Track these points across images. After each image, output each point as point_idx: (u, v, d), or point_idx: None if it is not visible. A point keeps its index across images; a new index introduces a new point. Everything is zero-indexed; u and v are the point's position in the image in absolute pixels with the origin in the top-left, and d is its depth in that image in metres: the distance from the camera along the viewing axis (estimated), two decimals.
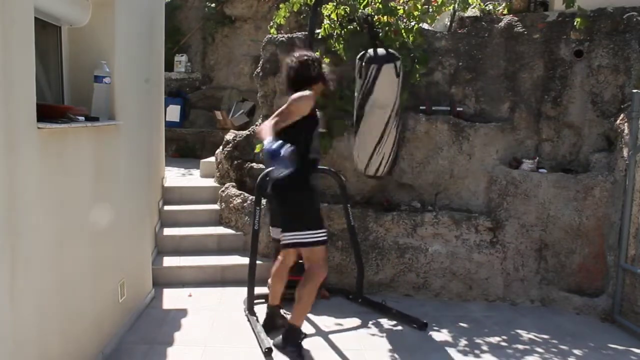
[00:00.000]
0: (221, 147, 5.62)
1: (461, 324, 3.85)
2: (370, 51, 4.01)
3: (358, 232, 4.27)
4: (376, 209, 4.51)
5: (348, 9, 4.40)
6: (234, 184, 5.20)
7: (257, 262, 3.96)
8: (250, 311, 3.79)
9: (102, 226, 3.05)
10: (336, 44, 4.43)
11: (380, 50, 4.00)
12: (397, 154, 4.27)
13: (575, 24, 4.14)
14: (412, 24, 4.42)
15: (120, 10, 3.26)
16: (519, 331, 3.77)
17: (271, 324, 3.57)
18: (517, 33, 4.47)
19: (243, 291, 4.22)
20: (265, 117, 4.99)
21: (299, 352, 3.20)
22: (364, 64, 3.98)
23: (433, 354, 3.38)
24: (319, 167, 4.53)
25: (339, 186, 4.14)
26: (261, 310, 3.81)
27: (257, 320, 3.66)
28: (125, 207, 3.49)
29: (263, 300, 4.09)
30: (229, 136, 5.58)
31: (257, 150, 4.83)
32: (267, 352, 3.22)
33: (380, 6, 4.38)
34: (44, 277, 2.35)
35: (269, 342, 3.30)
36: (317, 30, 4.48)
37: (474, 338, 3.62)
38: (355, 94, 4.10)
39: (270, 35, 4.90)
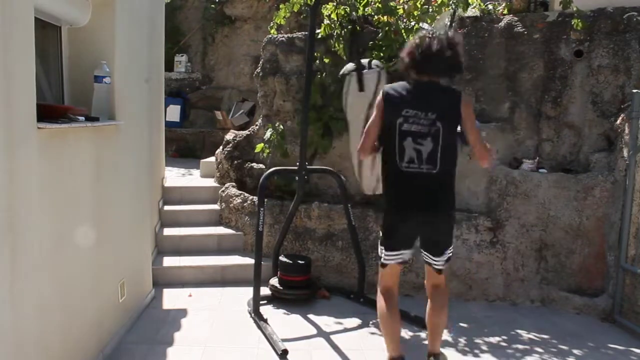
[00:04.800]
0: (221, 147, 5.62)
1: (461, 324, 3.85)
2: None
3: (358, 232, 4.27)
4: (376, 209, 4.51)
5: (348, 9, 4.40)
6: (234, 184, 5.20)
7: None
8: (257, 313, 3.75)
9: (102, 226, 3.05)
10: (336, 44, 4.43)
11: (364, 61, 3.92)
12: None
13: (573, 24, 4.15)
14: (412, 24, 4.42)
15: (121, 10, 3.26)
16: (519, 331, 3.77)
17: None
18: (517, 33, 4.47)
19: (243, 291, 4.23)
20: (266, 117, 5.00)
21: None
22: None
23: None
24: (319, 167, 4.56)
25: (339, 186, 4.14)
26: (265, 311, 3.81)
27: (267, 322, 3.63)
28: (125, 207, 3.49)
29: (266, 302, 4.09)
30: (229, 136, 5.58)
31: (257, 150, 4.84)
32: (283, 354, 3.21)
33: (380, 6, 4.38)
34: (44, 277, 2.35)
35: (282, 344, 3.27)
36: (317, 30, 4.48)
37: (474, 338, 3.62)
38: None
39: (270, 36, 4.90)
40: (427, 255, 2.84)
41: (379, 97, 2.73)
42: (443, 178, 2.67)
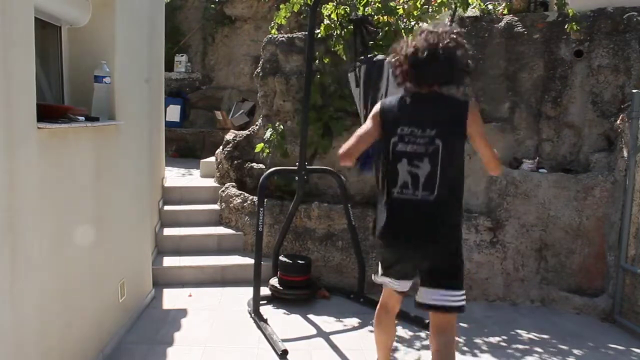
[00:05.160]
0: (221, 147, 5.62)
1: (461, 324, 3.85)
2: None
3: (358, 232, 4.27)
4: (376, 209, 4.51)
5: (348, 9, 4.40)
6: (234, 184, 5.20)
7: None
8: (257, 313, 3.75)
9: (102, 226, 3.05)
10: (336, 44, 4.42)
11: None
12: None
13: (566, 28, 4.16)
14: (412, 24, 4.42)
15: (121, 10, 3.26)
16: (519, 331, 3.77)
17: None
18: (517, 33, 4.47)
19: (243, 291, 4.23)
20: (266, 117, 5.00)
21: None
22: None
23: None
24: (319, 167, 4.56)
25: (339, 186, 4.14)
26: (265, 311, 3.81)
27: (267, 322, 3.63)
28: (125, 207, 3.49)
29: (266, 302, 4.09)
30: (229, 136, 5.59)
31: (257, 150, 4.84)
32: (283, 354, 3.21)
33: (380, 5, 4.37)
34: (44, 277, 2.35)
35: (282, 344, 3.28)
36: (317, 30, 4.48)
37: (473, 338, 3.62)
38: None
39: (270, 35, 4.90)
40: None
41: (375, 109, 2.37)
42: (443, 205, 2.25)
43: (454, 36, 2.23)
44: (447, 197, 2.26)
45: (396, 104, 2.33)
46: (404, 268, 2.42)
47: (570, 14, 4.09)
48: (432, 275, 2.32)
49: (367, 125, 2.38)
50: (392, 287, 2.49)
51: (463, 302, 2.29)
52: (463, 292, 2.31)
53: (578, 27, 4.11)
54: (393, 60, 2.35)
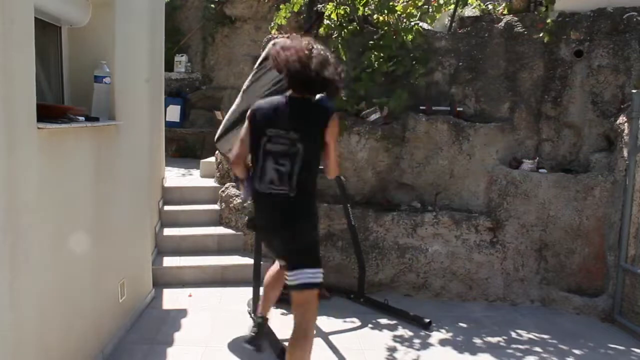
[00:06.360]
0: None
1: (461, 324, 3.85)
2: None
3: (358, 232, 4.26)
4: (376, 209, 4.51)
5: (348, 9, 4.40)
6: (234, 184, 5.19)
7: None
8: (257, 313, 3.75)
9: (102, 226, 3.05)
10: (337, 44, 4.42)
11: None
12: None
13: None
14: (412, 24, 4.42)
15: (120, 10, 3.26)
16: (519, 331, 3.77)
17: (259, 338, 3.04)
18: (517, 33, 4.47)
19: (243, 291, 4.23)
20: None
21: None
22: None
23: (433, 353, 3.38)
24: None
25: (339, 186, 4.14)
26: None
27: (267, 322, 3.62)
28: (125, 207, 3.49)
29: None
30: None
31: None
32: (282, 354, 3.20)
33: (377, 3, 4.37)
34: (44, 277, 2.35)
35: (282, 344, 3.27)
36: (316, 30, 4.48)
37: (473, 338, 3.62)
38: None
39: (270, 36, 4.90)
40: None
41: (249, 111, 2.59)
42: (299, 200, 2.48)
43: (324, 58, 2.47)
44: (302, 194, 2.49)
45: (268, 107, 2.54)
46: (275, 249, 2.73)
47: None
48: (291, 258, 2.58)
49: (245, 127, 2.61)
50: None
51: (320, 279, 2.54)
52: (320, 269, 2.55)
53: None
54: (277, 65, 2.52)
